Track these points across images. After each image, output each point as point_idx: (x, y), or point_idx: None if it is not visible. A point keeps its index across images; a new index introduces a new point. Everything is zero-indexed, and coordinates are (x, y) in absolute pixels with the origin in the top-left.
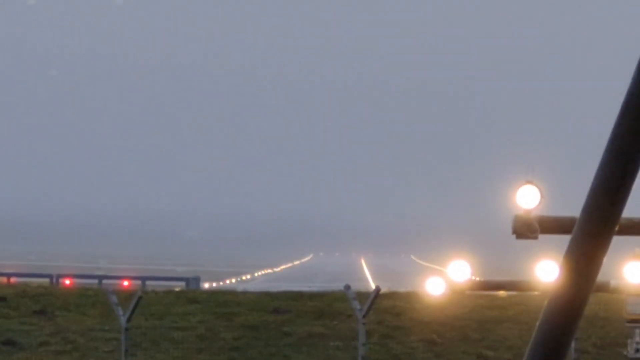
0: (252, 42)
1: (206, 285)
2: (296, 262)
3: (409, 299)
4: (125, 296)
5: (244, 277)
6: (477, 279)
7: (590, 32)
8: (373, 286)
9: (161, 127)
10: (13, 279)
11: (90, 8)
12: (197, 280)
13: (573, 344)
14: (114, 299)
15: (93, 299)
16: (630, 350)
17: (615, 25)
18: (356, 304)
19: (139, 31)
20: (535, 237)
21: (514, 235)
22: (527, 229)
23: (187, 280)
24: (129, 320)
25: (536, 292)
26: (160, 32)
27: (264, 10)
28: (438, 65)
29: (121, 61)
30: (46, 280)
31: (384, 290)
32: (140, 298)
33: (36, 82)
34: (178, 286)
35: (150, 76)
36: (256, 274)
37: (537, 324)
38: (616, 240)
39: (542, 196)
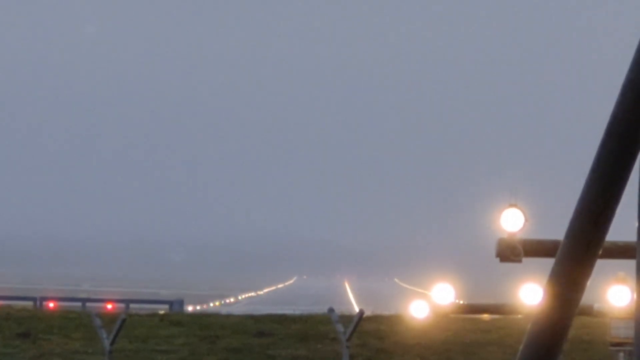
0: (236, 63)
1: (190, 308)
2: (280, 285)
3: (393, 322)
4: (109, 319)
5: (227, 300)
6: (461, 302)
7: (573, 54)
8: (357, 309)
9: (145, 151)
10: None
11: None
12: (180, 303)
13: None
14: (97, 321)
15: (77, 321)
16: None
17: (598, 49)
18: (340, 327)
19: (125, 41)
20: (519, 261)
21: (498, 259)
22: (510, 252)
23: (170, 303)
24: (112, 343)
25: (520, 316)
26: (143, 38)
27: (248, 31)
28: (422, 90)
29: (102, 89)
30: (30, 303)
31: (367, 313)
32: (124, 321)
33: (20, 105)
34: (162, 309)
35: (133, 100)
36: (240, 297)
37: (521, 347)
38: (600, 264)
39: (526, 219)
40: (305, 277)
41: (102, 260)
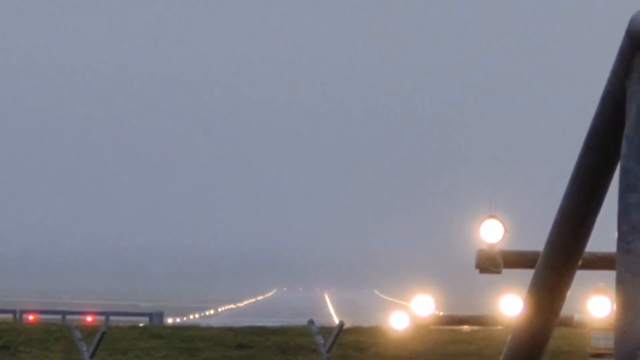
0: (207, 79)
1: (170, 321)
2: (259, 297)
3: (373, 334)
4: (89, 331)
5: (207, 312)
6: (441, 313)
7: (553, 62)
8: (337, 321)
9: (122, 161)
10: None
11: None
12: (160, 315)
13: None
14: (77, 334)
15: (57, 334)
16: None
17: (578, 60)
18: (320, 339)
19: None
20: (499, 272)
21: (478, 270)
22: (490, 264)
23: (150, 315)
24: (92, 355)
25: (500, 327)
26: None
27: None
28: (399, 100)
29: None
30: (9, 316)
31: (347, 325)
32: (104, 333)
33: None
34: (142, 321)
35: (107, 112)
36: (219, 309)
37: (501, 358)
38: (580, 275)
39: (505, 230)
40: (285, 289)
41: (81, 272)
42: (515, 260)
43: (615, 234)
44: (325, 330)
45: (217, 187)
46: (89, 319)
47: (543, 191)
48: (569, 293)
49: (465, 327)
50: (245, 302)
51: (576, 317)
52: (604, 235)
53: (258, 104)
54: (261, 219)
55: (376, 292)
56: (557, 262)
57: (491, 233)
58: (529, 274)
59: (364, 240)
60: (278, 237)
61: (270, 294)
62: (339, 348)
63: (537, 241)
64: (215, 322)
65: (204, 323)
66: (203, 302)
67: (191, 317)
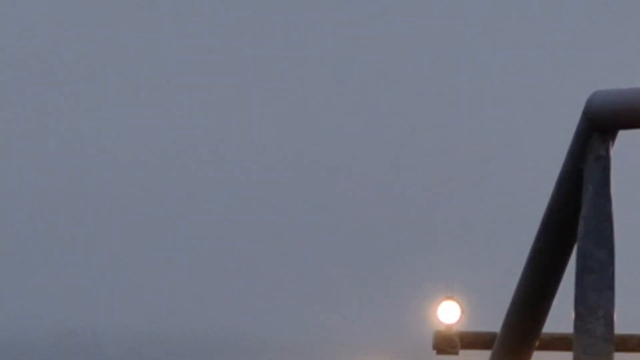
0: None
1: None
2: None
3: None
4: None
5: None
6: None
7: (505, 143)
8: None
9: (78, 237)
10: None
11: None
12: None
13: None
14: None
15: None
16: None
17: (534, 137)
18: None
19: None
20: (456, 353)
21: (435, 351)
22: (447, 345)
23: None
24: None
25: None
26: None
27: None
28: (349, 176)
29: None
30: None
31: None
32: None
33: None
34: None
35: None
36: None
37: None
38: (537, 356)
39: (462, 311)
40: None
41: (35, 356)
42: (472, 341)
43: (573, 315)
44: None
45: (179, 267)
46: None
47: (500, 272)
48: None
49: None
50: None
51: None
52: (561, 316)
53: (202, 180)
54: (213, 299)
55: None
56: (515, 343)
57: (448, 314)
58: (486, 355)
59: (316, 321)
60: (235, 319)
61: None
62: None
63: (494, 322)
64: None
65: None
66: None
67: None
